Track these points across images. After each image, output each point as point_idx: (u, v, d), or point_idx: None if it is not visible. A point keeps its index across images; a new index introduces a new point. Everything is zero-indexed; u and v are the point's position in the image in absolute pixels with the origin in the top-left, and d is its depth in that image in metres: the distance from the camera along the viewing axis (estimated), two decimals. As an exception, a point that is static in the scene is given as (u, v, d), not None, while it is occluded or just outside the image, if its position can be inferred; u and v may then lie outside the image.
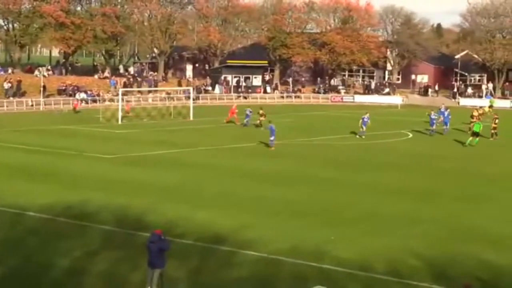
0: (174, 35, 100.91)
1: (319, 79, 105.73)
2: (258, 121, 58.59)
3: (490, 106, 79.50)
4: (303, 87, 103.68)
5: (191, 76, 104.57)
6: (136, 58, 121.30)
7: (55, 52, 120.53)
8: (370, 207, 29.78)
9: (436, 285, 20.15)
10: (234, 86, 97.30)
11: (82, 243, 23.45)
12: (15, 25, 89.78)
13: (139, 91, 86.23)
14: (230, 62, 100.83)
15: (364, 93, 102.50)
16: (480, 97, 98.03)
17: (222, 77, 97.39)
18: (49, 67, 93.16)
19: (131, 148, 45.99)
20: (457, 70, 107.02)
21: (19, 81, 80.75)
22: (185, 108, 69.71)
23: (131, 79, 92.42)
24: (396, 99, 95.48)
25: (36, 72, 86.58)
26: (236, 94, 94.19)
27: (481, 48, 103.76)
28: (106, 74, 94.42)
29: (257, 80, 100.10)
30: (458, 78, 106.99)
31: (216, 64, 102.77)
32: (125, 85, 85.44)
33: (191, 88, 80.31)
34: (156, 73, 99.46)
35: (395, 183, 35.29)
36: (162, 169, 38.32)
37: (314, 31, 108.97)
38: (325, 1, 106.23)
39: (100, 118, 62.98)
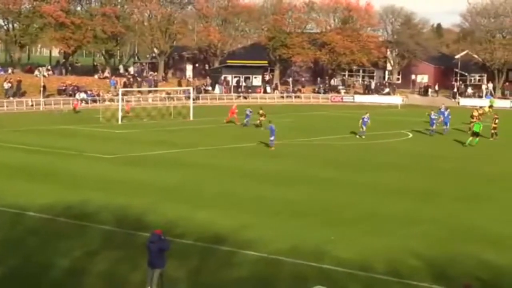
0: (174, 35, 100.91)
1: (319, 79, 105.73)
2: (258, 121, 58.60)
3: (490, 106, 79.50)
4: (303, 87, 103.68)
5: (191, 76, 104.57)
6: (136, 58, 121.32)
7: (55, 52, 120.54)
8: (370, 207, 29.78)
9: (436, 285, 20.16)
10: (234, 86, 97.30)
11: (82, 243, 23.45)
12: (15, 25, 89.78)
13: (139, 91, 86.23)
14: (230, 62, 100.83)
15: (364, 93, 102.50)
16: (480, 97, 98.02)
17: (222, 77, 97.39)
18: (49, 67, 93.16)
19: (131, 148, 45.99)
20: (457, 70, 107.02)
21: (19, 81, 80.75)
22: (185, 108, 69.70)
23: (131, 79, 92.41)
24: (396, 99, 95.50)
25: (36, 72, 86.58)
26: (236, 94, 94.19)
27: (481, 48, 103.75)
28: (106, 74, 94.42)
29: (257, 80, 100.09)
30: (458, 78, 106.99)
31: (216, 64, 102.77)
32: (125, 85, 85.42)
33: (191, 88, 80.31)
34: (156, 73, 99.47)
35: (395, 183, 35.29)
36: (162, 169, 38.32)
37: (314, 31, 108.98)
38: (325, 1, 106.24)
39: (100, 118, 62.98)
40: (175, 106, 71.62)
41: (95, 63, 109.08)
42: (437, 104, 78.81)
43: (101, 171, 37.26)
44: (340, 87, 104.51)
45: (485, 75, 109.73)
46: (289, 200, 30.85)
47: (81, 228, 25.50)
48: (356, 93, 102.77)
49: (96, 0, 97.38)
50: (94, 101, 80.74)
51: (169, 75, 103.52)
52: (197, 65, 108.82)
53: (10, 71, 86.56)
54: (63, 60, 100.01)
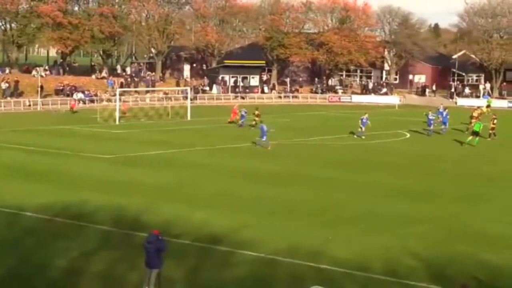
0: (171, 35, 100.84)
1: (316, 79, 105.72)
2: (253, 122, 58.56)
3: (488, 106, 79.52)
4: (301, 87, 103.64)
5: (189, 76, 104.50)
6: (133, 58, 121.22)
7: (53, 52, 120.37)
8: (368, 207, 29.79)
9: (433, 285, 20.17)
10: (231, 86, 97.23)
11: (79, 243, 23.43)
12: (13, 25, 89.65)
13: (136, 91, 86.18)
14: (228, 62, 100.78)
15: (361, 93, 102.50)
16: (478, 97, 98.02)
17: (220, 77, 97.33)
18: (46, 67, 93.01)
19: (128, 148, 45.96)
20: (454, 70, 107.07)
21: (17, 81, 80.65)
22: (182, 108, 69.68)
23: (129, 79, 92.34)
24: (393, 99, 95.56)
25: (34, 72, 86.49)
26: (233, 94, 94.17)
27: (478, 48, 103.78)
28: (104, 74, 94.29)
29: (254, 80, 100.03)
30: (456, 78, 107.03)
31: (214, 64, 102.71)
32: (122, 85, 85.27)
33: (188, 88, 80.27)
34: (153, 73, 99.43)
35: (393, 183, 35.29)
36: (159, 169, 38.31)
37: (312, 31, 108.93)
38: (323, 1, 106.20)
39: (98, 118, 62.95)
40: (172, 106, 71.62)
41: (93, 63, 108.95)
42: (435, 104, 78.95)
43: (99, 171, 37.25)
44: (338, 87, 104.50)
45: (483, 75, 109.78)
46: (286, 200, 30.86)
47: (79, 228, 25.48)
48: (353, 93, 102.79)
49: (94, 0, 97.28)
50: (92, 101, 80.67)
51: (167, 75, 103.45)
52: (194, 65, 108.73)
53: (7, 71, 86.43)
54: (61, 60, 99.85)
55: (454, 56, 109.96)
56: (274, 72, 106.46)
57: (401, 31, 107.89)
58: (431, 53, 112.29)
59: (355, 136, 54.02)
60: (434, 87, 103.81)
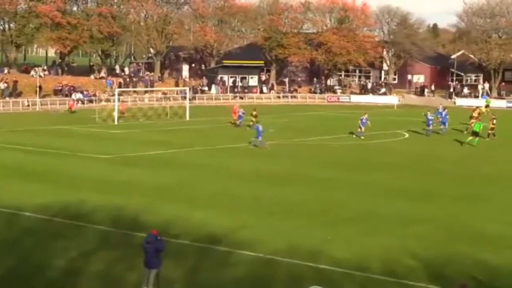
0: (170, 35, 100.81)
1: (315, 79, 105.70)
2: (250, 122, 58.49)
3: (487, 106, 79.54)
4: (300, 87, 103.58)
5: (187, 76, 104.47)
6: (132, 58, 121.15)
7: (51, 52, 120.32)
8: (367, 207, 29.79)
9: (432, 285, 20.16)
10: (230, 86, 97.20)
11: (78, 243, 23.42)
12: (11, 25, 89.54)
13: (135, 91, 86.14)
14: (227, 62, 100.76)
15: (360, 93, 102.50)
16: (476, 97, 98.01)
17: (219, 77, 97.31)
18: (45, 67, 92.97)
19: (127, 148, 45.94)
20: (453, 70, 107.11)
21: (15, 81, 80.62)
22: (181, 108, 69.63)
23: (127, 79, 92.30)
24: (392, 99, 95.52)
25: (32, 72, 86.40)
26: (232, 94, 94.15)
27: (477, 48, 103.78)
28: (102, 74, 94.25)
29: (253, 80, 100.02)
30: (454, 78, 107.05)
31: (213, 64, 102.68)
32: (120, 85, 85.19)
33: (187, 88, 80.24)
34: (152, 73, 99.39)
35: (392, 183, 35.28)
36: (158, 169, 38.29)
37: (310, 31, 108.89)
38: (321, 1, 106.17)
39: (96, 118, 62.93)
40: (171, 106, 71.56)
41: (91, 63, 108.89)
42: (433, 104, 78.97)
43: (97, 171, 37.23)
44: (337, 87, 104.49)
45: (481, 75, 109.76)
46: (286, 200, 30.86)
47: (77, 228, 25.47)
48: (352, 93, 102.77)
49: (92, 0, 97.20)
50: (90, 101, 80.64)
51: (166, 75, 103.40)
52: (193, 65, 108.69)
53: (6, 71, 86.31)
54: (59, 60, 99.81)
55: (453, 56, 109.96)
56: (273, 72, 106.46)
57: (399, 31, 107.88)
58: (429, 53, 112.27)
59: (354, 136, 54.02)
60: (433, 87, 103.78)
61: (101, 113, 63.84)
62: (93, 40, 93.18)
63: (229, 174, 37.29)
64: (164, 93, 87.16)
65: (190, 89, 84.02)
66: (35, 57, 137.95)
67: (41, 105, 76.18)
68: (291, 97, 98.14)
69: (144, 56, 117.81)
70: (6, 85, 79.03)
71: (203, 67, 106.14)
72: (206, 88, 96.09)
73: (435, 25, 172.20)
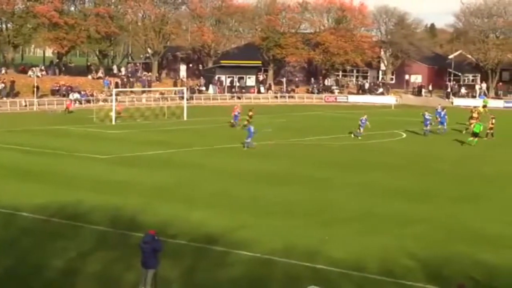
0: (168, 35, 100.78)
1: (313, 79, 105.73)
2: (245, 122, 58.45)
3: (484, 107, 79.51)
4: (297, 87, 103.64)
5: (185, 76, 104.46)
6: (130, 58, 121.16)
7: (49, 52, 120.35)
8: (364, 207, 29.78)
9: (430, 285, 20.14)
10: (228, 86, 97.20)
11: (76, 243, 23.40)
12: (9, 25, 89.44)
13: (132, 92, 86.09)
14: (224, 62, 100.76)
15: (358, 93, 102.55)
16: (474, 97, 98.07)
17: (216, 77, 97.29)
18: (42, 68, 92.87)
19: (125, 148, 45.91)
20: (450, 70, 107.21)
21: (13, 82, 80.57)
22: (179, 109, 69.63)
23: (125, 79, 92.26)
24: (390, 99, 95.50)
25: (30, 73, 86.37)
26: (230, 94, 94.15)
27: (474, 48, 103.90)
28: (100, 74, 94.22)
29: (251, 80, 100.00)
30: (452, 78, 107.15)
31: (210, 64, 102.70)
32: (117, 86, 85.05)
33: (184, 88, 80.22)
34: (150, 73, 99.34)
35: (390, 183, 35.28)
36: (156, 169, 38.27)
37: (308, 31, 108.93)
38: (319, 1, 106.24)
39: (94, 119, 62.91)
40: (169, 106, 71.54)
41: (89, 63, 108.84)
42: (431, 104, 79.00)
43: (95, 172, 37.20)
44: (334, 87, 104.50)
45: (479, 75, 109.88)
46: (283, 200, 30.85)
47: (75, 228, 25.45)
48: (350, 93, 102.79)
49: (90, 0, 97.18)
50: (88, 101, 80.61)
51: (163, 75, 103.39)
52: (191, 65, 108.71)
53: (3, 71, 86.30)
54: (57, 60, 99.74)
55: (450, 56, 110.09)
56: (270, 72, 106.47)
57: (397, 31, 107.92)
58: (427, 53, 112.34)
59: (353, 136, 54.00)
60: (430, 87, 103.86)
61: (98, 113, 63.81)
62: (90, 40, 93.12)
63: (227, 174, 37.29)
64: (161, 93, 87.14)
65: (187, 89, 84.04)
66: (33, 57, 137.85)
67: (39, 105, 76.15)
68: (289, 97, 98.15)
69: (141, 56, 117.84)
70: (3, 85, 78.96)
71: (200, 67, 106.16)
72: (203, 88, 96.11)
73: (432, 25, 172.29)
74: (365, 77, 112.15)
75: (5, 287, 19.51)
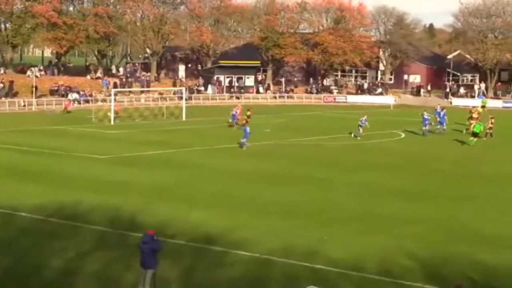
0: (166, 35, 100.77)
1: (311, 79, 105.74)
2: (243, 121, 58.41)
3: (483, 106, 79.54)
4: (296, 87, 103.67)
5: (184, 76, 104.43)
6: (128, 59, 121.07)
7: (47, 53, 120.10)
8: (364, 207, 29.77)
9: (429, 285, 20.12)
10: (226, 87, 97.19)
11: (74, 243, 23.37)
12: (7, 25, 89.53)
13: (131, 92, 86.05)
14: (223, 62, 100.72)
15: (356, 93, 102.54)
16: (473, 97, 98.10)
17: (215, 77, 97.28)
18: (41, 68, 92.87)
19: (123, 149, 45.88)
20: (449, 70, 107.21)
21: (11, 82, 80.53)
22: (177, 109, 69.61)
23: (124, 80, 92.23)
24: (388, 99, 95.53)
25: (28, 73, 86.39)
26: (228, 95, 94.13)
27: (473, 48, 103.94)
28: (99, 74, 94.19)
29: (249, 80, 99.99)
30: (451, 78, 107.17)
31: (209, 64, 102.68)
32: (116, 86, 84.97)
33: (183, 89, 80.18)
34: (148, 74, 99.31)
35: (389, 183, 35.26)
36: (155, 169, 38.24)
37: (307, 31, 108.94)
38: (318, 1, 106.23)
39: (93, 119, 62.88)
40: (167, 106, 71.50)
41: (88, 64, 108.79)
42: (430, 104, 79.02)
43: (94, 172, 37.17)
44: (333, 87, 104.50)
45: (478, 75, 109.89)
46: (282, 200, 30.83)
47: (74, 228, 25.42)
48: (348, 93, 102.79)
49: (89, 0, 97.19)
50: (87, 101, 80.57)
51: (162, 75, 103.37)
52: (189, 65, 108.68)
53: (2, 71, 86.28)
54: (55, 61, 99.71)
55: (449, 56, 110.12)
56: (269, 72, 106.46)
57: (396, 31, 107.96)
58: (426, 53, 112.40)
59: (352, 136, 53.97)
60: (429, 87, 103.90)
61: (97, 113, 63.78)
62: (89, 40, 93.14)
63: (226, 174, 37.27)
64: (160, 93, 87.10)
65: (186, 89, 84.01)
66: (31, 57, 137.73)
67: (37, 105, 76.13)
68: (288, 97, 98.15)
69: (140, 56, 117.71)
70: (2, 85, 78.95)
71: (199, 67, 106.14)
72: (202, 88, 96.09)
73: (431, 25, 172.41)
74: (364, 77, 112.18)
75: (4, 287, 19.49)
